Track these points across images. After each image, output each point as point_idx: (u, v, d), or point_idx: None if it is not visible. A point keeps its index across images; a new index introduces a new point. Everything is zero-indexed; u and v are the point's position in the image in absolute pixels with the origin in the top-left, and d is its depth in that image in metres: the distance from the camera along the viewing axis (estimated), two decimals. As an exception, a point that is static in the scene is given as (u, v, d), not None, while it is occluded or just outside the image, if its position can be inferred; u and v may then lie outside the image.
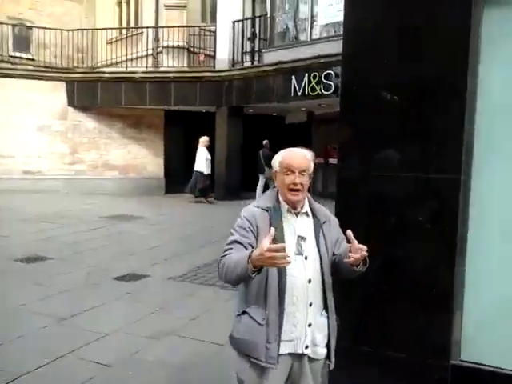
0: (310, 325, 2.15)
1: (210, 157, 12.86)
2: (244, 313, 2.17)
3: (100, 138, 14.71)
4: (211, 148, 13.60)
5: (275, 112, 15.20)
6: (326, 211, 2.32)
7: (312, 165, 2.20)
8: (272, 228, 1.98)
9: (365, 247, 2.06)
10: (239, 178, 13.60)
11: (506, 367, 2.75)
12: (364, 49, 2.97)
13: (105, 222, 9.62)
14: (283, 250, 1.88)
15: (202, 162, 12.68)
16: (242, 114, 13.76)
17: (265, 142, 13.27)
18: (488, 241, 2.85)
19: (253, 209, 2.19)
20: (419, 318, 2.89)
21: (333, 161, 13.51)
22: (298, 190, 2.13)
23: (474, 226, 2.86)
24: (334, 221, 2.33)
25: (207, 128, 13.97)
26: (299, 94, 11.35)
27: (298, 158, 2.17)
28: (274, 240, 1.93)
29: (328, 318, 2.22)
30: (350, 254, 2.06)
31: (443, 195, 2.82)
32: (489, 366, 2.79)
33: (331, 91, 10.54)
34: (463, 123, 2.76)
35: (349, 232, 2.09)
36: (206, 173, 12.75)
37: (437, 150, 2.80)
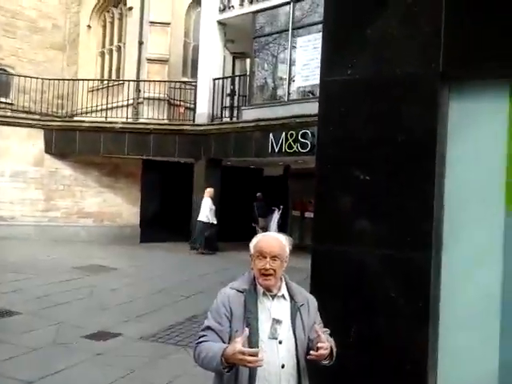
0: None
1: (213, 207, 12.97)
2: None
3: (76, 186, 14.62)
4: (189, 199, 13.67)
5: (253, 165, 15.45)
6: (305, 293, 2.34)
7: (287, 250, 2.24)
8: (246, 329, 2.04)
9: (326, 345, 2.11)
10: (217, 229, 13.60)
11: None
12: (338, 131, 3.13)
13: (77, 274, 9.43)
14: (256, 354, 1.95)
15: (206, 212, 12.76)
16: (220, 166, 13.94)
17: (258, 194, 13.53)
18: (460, 315, 2.93)
19: (228, 291, 2.23)
20: (393, 394, 2.91)
21: (308, 214, 13.71)
22: (269, 275, 2.16)
23: (446, 301, 2.94)
24: (313, 303, 2.34)
25: (185, 178, 14.08)
26: (276, 150, 11.62)
27: (270, 243, 2.21)
28: (248, 337, 2.00)
29: None
30: (311, 352, 2.12)
31: (415, 271, 2.91)
32: None
33: (307, 149, 10.83)
34: (432, 203, 2.90)
35: (315, 327, 2.15)
36: (210, 222, 12.78)
37: (408, 229, 2.92)
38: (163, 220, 14.56)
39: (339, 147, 3.13)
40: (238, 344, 1.96)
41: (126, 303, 7.59)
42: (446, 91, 2.94)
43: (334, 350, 2.21)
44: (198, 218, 12.77)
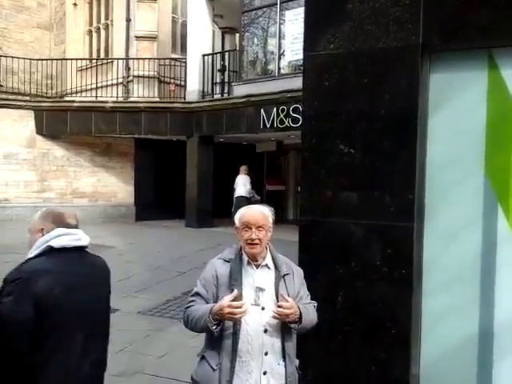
0: (264, 373, 2.27)
1: (249, 183, 13.07)
2: (203, 357, 2.34)
3: (69, 166, 14.63)
4: (183, 176, 13.74)
5: (246, 141, 15.46)
6: (290, 264, 2.46)
7: (270, 220, 2.38)
8: (236, 290, 2.19)
9: (287, 305, 2.21)
10: (211, 206, 13.71)
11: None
12: (322, 105, 3.20)
13: (73, 253, 9.53)
14: (242, 306, 2.13)
15: (244, 188, 12.88)
16: (212, 143, 13.96)
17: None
18: (441, 281, 3.06)
19: (216, 261, 2.39)
20: (379, 357, 3.05)
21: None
22: (255, 244, 2.29)
23: (428, 268, 3.07)
24: (298, 273, 2.45)
25: (178, 156, 14.11)
26: (268, 126, 11.64)
27: (254, 214, 2.34)
28: (236, 298, 2.14)
29: (286, 366, 2.33)
30: (272, 310, 2.22)
31: (398, 241, 3.02)
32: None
33: (299, 124, 10.84)
34: (414, 173, 2.99)
35: (282, 293, 2.27)
36: (249, 196, 12.89)
37: (391, 199, 3.02)
38: (158, 198, 14.65)
39: (323, 120, 3.20)
40: (226, 300, 2.14)
41: (124, 280, 7.71)
42: (427, 63, 3.00)
43: (307, 316, 2.31)
44: (237, 194, 12.86)
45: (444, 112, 3.03)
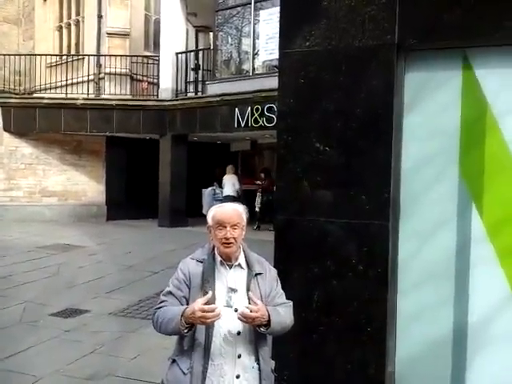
0: (238, 376, 2.20)
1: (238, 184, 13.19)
2: (174, 361, 2.26)
3: (38, 164, 14.28)
4: (155, 175, 13.57)
5: (220, 140, 15.39)
6: (264, 263, 2.38)
7: (244, 217, 2.30)
8: (210, 292, 2.12)
9: (253, 308, 2.11)
10: (184, 205, 13.58)
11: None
12: (298, 103, 3.18)
13: (42, 253, 9.30)
14: (214, 310, 2.05)
15: (233, 187, 12.93)
16: (186, 142, 13.83)
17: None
18: (416, 280, 3.08)
19: (188, 261, 2.31)
20: (355, 355, 3.05)
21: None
22: (230, 243, 2.22)
23: (403, 267, 3.08)
24: (271, 273, 2.38)
25: (151, 155, 13.93)
26: (242, 125, 11.60)
27: (228, 213, 2.25)
28: (209, 301, 2.07)
29: (260, 369, 2.25)
30: (238, 312, 2.13)
31: (374, 239, 3.02)
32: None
33: (273, 123, 10.83)
34: (390, 172, 3.00)
35: (249, 294, 2.19)
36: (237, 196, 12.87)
37: (366, 197, 3.01)
38: (130, 197, 14.43)
39: (298, 118, 3.17)
40: (198, 303, 2.06)
41: (94, 280, 7.56)
42: (402, 62, 3.01)
43: (277, 319, 2.21)
44: (225, 193, 12.78)
45: (419, 111, 3.04)
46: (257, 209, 13.22)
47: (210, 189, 13.29)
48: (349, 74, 3.05)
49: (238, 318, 2.13)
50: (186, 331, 2.12)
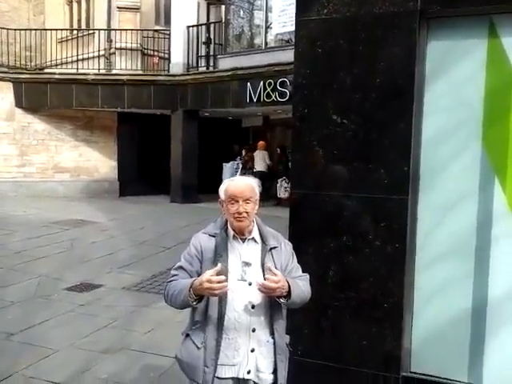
0: (252, 350, 2.18)
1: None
2: (187, 335, 2.25)
3: (50, 140, 14.30)
4: (167, 151, 13.52)
5: (231, 116, 15.26)
6: (279, 237, 2.34)
7: (257, 192, 2.25)
8: (219, 264, 2.08)
9: (274, 279, 2.07)
10: (196, 181, 13.55)
11: (454, 378, 2.90)
12: (314, 74, 3.07)
13: (55, 228, 9.37)
14: (222, 281, 2.01)
15: (262, 164, 13.06)
16: (197, 117, 13.73)
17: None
18: (435, 256, 3.00)
19: (200, 235, 2.27)
20: (371, 331, 3.00)
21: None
22: (243, 218, 2.17)
23: (422, 242, 3.01)
24: (287, 247, 2.33)
25: (162, 130, 13.87)
26: (255, 100, 11.45)
27: (241, 187, 2.20)
28: (219, 273, 2.03)
29: (274, 343, 2.23)
30: (258, 282, 2.10)
31: (392, 214, 2.94)
32: (438, 377, 2.93)
33: (286, 98, 10.69)
34: (410, 144, 2.90)
35: (268, 265, 2.15)
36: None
37: (385, 172, 2.92)
38: (142, 173, 14.44)
39: (315, 89, 3.07)
40: (207, 274, 2.02)
41: (107, 255, 7.60)
42: (425, 30, 2.88)
43: (297, 290, 2.19)
44: (256, 169, 12.89)
45: (441, 82, 2.92)
46: None
47: (231, 163, 13.20)
48: (368, 42, 2.92)
49: (259, 289, 2.09)
50: (194, 303, 2.10)
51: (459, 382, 2.91)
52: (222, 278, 2.02)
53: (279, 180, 12.84)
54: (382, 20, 2.90)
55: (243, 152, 13.62)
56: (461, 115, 2.91)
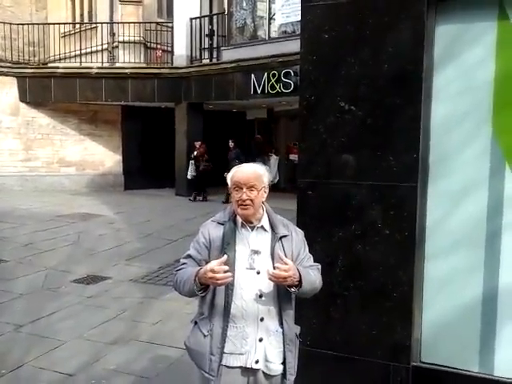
0: (260, 339, 2.16)
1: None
2: (196, 323, 2.25)
3: (55, 134, 14.33)
4: (172, 144, 13.49)
5: (236, 108, 15.21)
6: (289, 225, 2.30)
7: (265, 179, 2.20)
8: (225, 255, 2.06)
9: (284, 267, 2.04)
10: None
11: (464, 368, 2.88)
12: (321, 60, 3.03)
13: (62, 222, 9.39)
14: (226, 270, 1.99)
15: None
16: (202, 110, 13.69)
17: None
18: (445, 244, 2.96)
19: (209, 223, 2.26)
20: (381, 321, 2.98)
21: (292, 157, 13.70)
22: (247, 205, 2.14)
23: (432, 231, 2.97)
24: (298, 235, 2.30)
25: (167, 123, 13.84)
26: (259, 91, 11.41)
27: (245, 173, 2.17)
28: (226, 262, 2.02)
29: (283, 333, 2.21)
30: (268, 271, 2.07)
31: (401, 202, 2.91)
32: (449, 367, 2.91)
33: (290, 89, 10.63)
34: (419, 132, 2.87)
35: (279, 254, 2.13)
36: None
37: (394, 159, 2.89)
38: (147, 167, 14.44)
39: (322, 76, 3.03)
40: (211, 264, 2.00)
41: (114, 248, 7.61)
42: (433, 13, 2.84)
43: (308, 279, 2.16)
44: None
45: (450, 66, 2.88)
46: (189, 176, 12.93)
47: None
48: (376, 27, 2.88)
49: (269, 279, 2.07)
50: (200, 292, 2.09)
51: (470, 371, 2.88)
52: (226, 267, 2.00)
53: None
54: (389, 4, 2.85)
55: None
56: (471, 100, 2.86)
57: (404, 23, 2.83)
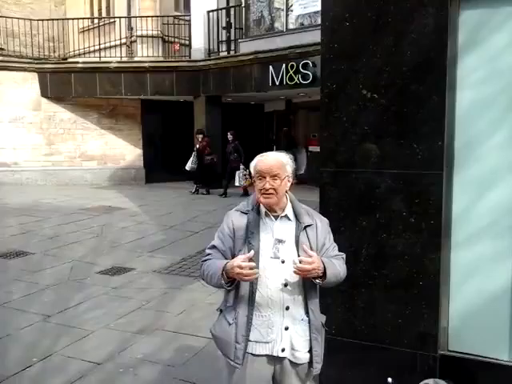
0: (286, 328, 2.17)
1: None
2: (221, 311, 2.28)
3: (76, 129, 14.50)
4: (191, 137, 13.54)
5: (254, 100, 15.19)
6: (314, 214, 2.31)
7: (288, 168, 2.20)
8: (252, 251, 2.08)
9: (308, 260, 2.06)
10: (220, 167, 13.57)
11: (493, 356, 2.85)
12: (342, 48, 3.01)
13: (85, 215, 9.53)
14: (253, 267, 2.02)
15: None
16: (220, 103, 13.71)
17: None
18: (472, 232, 2.93)
19: (232, 212, 2.27)
20: (407, 309, 2.97)
21: (312, 148, 13.63)
22: (270, 194, 2.14)
23: (458, 219, 2.95)
24: (324, 225, 2.30)
25: (186, 117, 13.90)
26: (277, 83, 11.37)
27: (268, 162, 2.17)
28: (251, 260, 2.04)
29: (309, 322, 2.22)
30: (293, 266, 2.08)
31: (426, 190, 2.89)
32: (476, 355, 2.88)
33: (309, 81, 10.58)
34: (444, 119, 2.84)
35: (303, 246, 2.14)
36: None
37: (418, 147, 2.87)
38: (167, 160, 14.54)
39: (343, 64, 3.01)
40: (237, 260, 2.03)
41: (137, 240, 7.71)
42: (457, -1, 2.80)
43: (333, 270, 2.17)
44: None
45: (475, 53, 2.83)
46: (187, 167, 12.77)
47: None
48: (398, 13, 2.85)
49: (294, 272, 2.08)
50: (228, 285, 2.12)
51: (499, 360, 2.86)
52: (252, 264, 2.03)
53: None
54: (413, -10, 2.82)
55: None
56: (496, 87, 2.82)
57: (427, 9, 2.79)
